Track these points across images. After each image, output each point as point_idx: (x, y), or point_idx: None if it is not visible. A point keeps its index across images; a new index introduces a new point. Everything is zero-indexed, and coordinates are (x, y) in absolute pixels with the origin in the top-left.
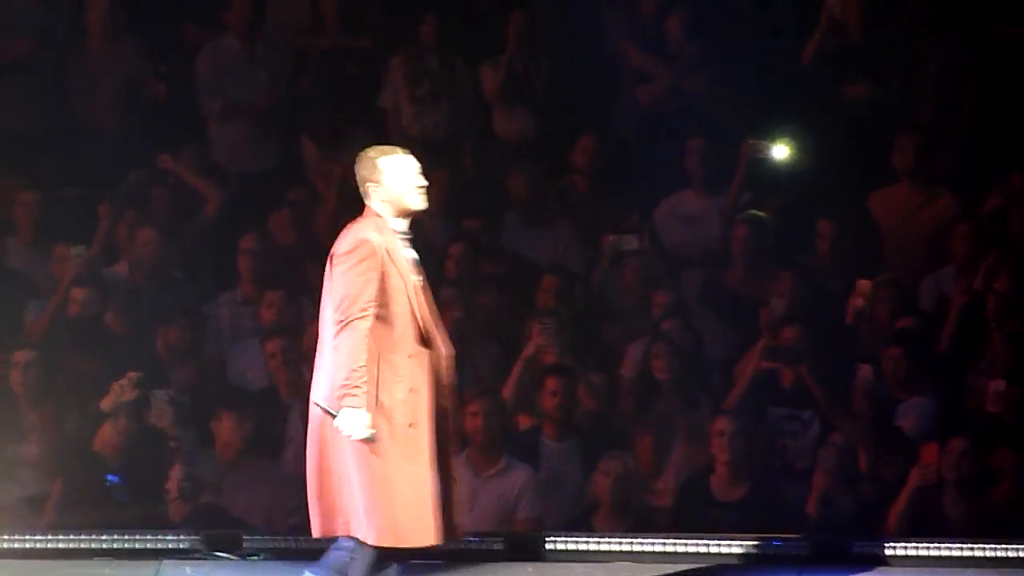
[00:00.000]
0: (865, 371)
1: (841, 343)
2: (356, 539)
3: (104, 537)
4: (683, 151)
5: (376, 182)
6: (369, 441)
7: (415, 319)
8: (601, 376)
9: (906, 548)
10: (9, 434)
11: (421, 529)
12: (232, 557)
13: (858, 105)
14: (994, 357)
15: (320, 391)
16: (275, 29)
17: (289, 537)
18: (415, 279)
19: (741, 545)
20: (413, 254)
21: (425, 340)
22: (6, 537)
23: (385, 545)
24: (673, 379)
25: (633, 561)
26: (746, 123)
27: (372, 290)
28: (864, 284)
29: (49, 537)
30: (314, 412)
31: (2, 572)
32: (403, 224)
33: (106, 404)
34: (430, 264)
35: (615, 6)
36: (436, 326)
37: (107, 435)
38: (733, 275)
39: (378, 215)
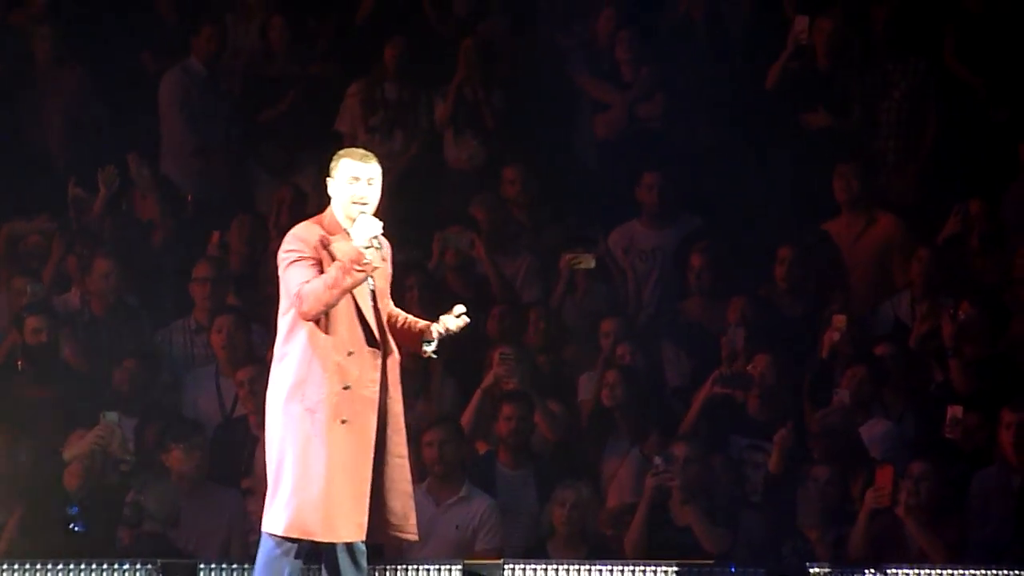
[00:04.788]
0: (842, 396)
1: (802, 369)
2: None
3: (61, 567)
4: (639, 180)
5: (332, 178)
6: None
7: (360, 318)
8: (560, 404)
9: (864, 573)
10: None
11: (332, 524)
12: None
13: (818, 132)
14: (950, 383)
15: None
16: (232, 56)
17: (245, 566)
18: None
19: (700, 570)
20: (373, 255)
21: (371, 340)
22: None
23: (292, 536)
24: (623, 406)
25: None
26: (705, 148)
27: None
28: (840, 319)
29: (4, 567)
30: (274, 417)
31: None
32: (366, 224)
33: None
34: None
35: (570, 34)
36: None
37: (71, 468)
38: (691, 304)
39: (331, 212)
